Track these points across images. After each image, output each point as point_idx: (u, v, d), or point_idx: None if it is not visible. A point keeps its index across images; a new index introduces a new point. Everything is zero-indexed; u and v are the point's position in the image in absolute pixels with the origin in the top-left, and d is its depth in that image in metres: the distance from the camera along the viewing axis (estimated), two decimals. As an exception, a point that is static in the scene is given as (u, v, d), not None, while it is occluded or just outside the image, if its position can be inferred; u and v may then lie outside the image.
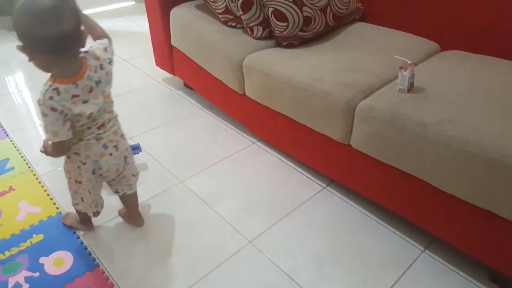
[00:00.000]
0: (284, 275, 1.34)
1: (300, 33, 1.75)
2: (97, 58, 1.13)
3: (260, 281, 1.32)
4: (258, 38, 1.85)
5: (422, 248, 1.42)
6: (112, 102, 1.24)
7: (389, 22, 1.93)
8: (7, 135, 2.04)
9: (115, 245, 1.44)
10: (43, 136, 2.03)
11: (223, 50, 1.83)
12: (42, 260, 1.37)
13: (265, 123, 1.83)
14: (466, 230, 1.25)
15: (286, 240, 1.46)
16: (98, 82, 1.13)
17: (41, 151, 1.24)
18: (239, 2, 1.79)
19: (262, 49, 1.79)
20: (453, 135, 1.16)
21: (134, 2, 4.04)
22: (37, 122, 2.15)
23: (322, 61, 1.62)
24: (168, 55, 2.30)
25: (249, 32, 1.87)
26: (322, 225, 1.52)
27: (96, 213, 1.40)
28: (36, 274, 1.32)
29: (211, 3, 1.95)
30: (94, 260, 1.38)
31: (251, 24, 1.83)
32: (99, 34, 1.21)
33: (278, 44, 1.81)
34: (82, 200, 1.35)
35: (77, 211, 1.44)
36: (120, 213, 1.55)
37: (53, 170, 1.79)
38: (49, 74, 1.08)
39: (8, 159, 1.86)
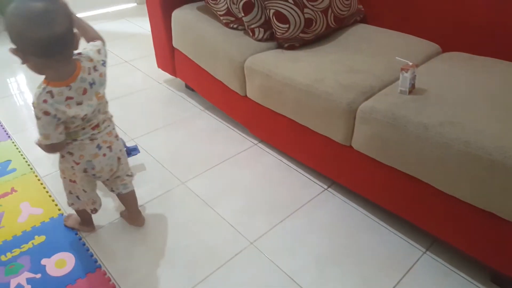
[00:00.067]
0: (285, 276, 1.34)
1: (301, 34, 1.75)
2: (91, 60, 1.14)
3: (261, 282, 1.32)
4: (260, 40, 1.85)
5: (424, 250, 1.42)
6: (106, 103, 1.24)
7: (390, 24, 1.93)
8: (9, 136, 2.05)
9: (116, 246, 1.45)
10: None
11: (225, 52, 1.84)
12: (44, 261, 1.37)
13: (266, 125, 1.83)
14: (467, 231, 1.25)
15: (287, 241, 1.46)
16: (92, 84, 1.13)
17: (36, 143, 1.22)
18: (241, 4, 1.79)
19: (263, 50, 1.79)
20: (454, 136, 1.17)
21: (135, 4, 4.04)
22: (39, 123, 2.15)
23: (323, 62, 1.62)
24: (169, 57, 2.30)
25: (251, 34, 1.87)
26: (323, 226, 1.52)
27: (94, 210, 1.40)
28: (38, 276, 1.32)
29: (212, 5, 1.96)
30: (96, 261, 1.38)
31: (253, 26, 1.84)
32: (92, 36, 1.21)
33: (280, 46, 1.81)
34: (78, 198, 1.35)
35: (77, 212, 1.44)
36: (121, 215, 1.55)
37: (54, 171, 1.79)
38: (42, 77, 1.08)
39: (10, 160, 1.87)
